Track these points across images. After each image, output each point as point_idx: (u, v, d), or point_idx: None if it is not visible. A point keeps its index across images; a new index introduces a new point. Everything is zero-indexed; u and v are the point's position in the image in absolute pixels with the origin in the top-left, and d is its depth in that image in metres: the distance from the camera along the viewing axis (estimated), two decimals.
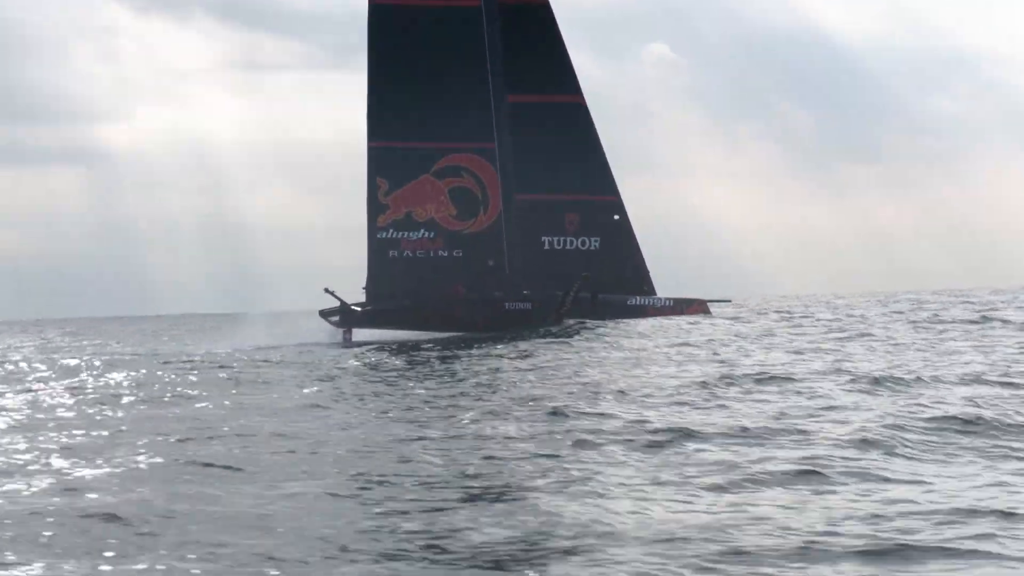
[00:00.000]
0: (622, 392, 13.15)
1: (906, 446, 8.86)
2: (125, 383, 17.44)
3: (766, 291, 74.56)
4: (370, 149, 31.80)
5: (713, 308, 34.05)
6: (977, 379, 13.48)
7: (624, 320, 31.04)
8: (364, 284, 31.65)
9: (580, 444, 9.35)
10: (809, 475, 7.76)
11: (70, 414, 12.88)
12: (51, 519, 6.96)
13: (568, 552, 6.01)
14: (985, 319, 26.37)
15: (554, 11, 33.06)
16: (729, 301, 36.62)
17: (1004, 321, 25.51)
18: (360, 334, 30.71)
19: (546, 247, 33.20)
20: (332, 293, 30.38)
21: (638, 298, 33.02)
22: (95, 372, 20.36)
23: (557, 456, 8.90)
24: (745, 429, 9.83)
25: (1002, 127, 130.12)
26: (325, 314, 30.97)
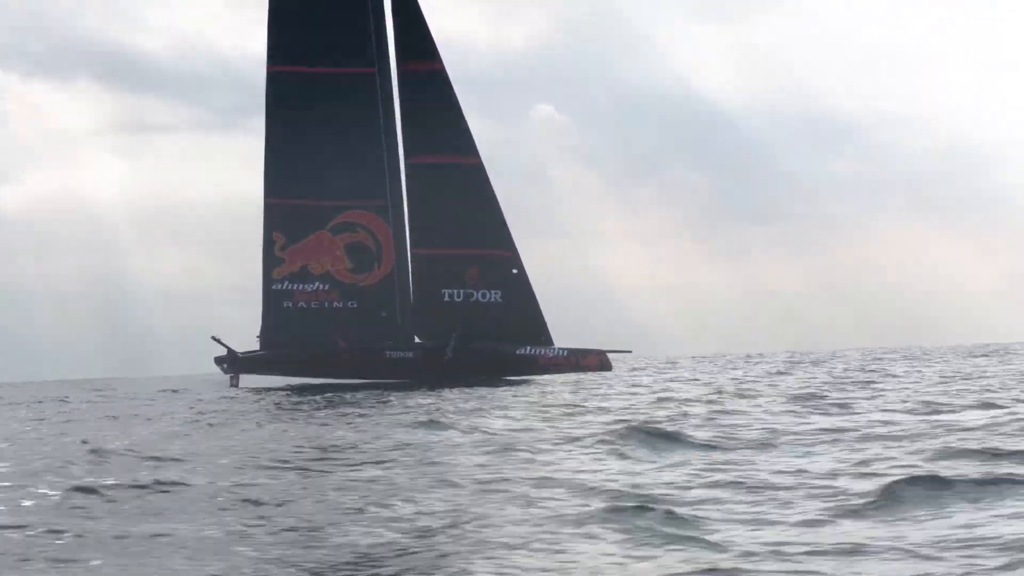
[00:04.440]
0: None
1: None
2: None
3: (668, 351, 75.81)
4: (267, 205, 33.66)
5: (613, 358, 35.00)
6: None
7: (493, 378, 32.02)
8: (258, 333, 33.41)
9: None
10: None
11: None
12: None
13: None
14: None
15: (449, 76, 34.89)
16: (630, 352, 37.30)
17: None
18: (248, 380, 32.38)
19: (446, 299, 34.40)
20: (219, 341, 32.12)
21: (528, 348, 33.94)
22: None
23: None
24: None
25: (893, 189, 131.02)
26: (218, 361, 32.73)
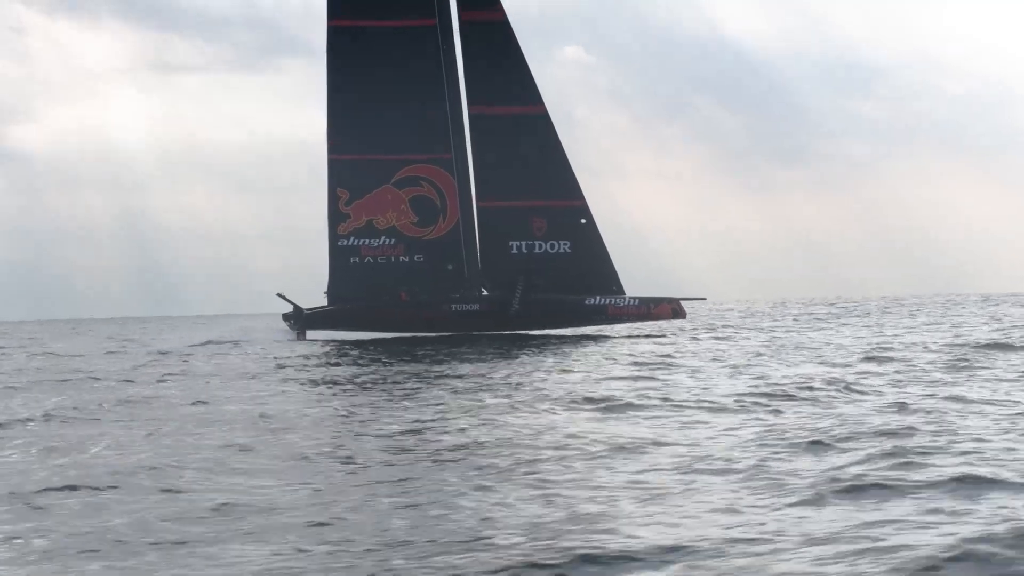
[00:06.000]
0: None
1: None
2: None
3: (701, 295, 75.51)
4: (331, 162, 33.59)
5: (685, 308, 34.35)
6: None
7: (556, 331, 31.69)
8: (325, 289, 33.46)
9: None
10: None
11: None
12: None
13: None
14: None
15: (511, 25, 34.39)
16: (704, 299, 36.63)
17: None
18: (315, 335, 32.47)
19: (514, 251, 34.04)
20: (284, 297, 32.22)
21: (597, 297, 33.45)
22: None
23: None
24: None
25: (921, 132, 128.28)
26: (286, 318, 32.88)
